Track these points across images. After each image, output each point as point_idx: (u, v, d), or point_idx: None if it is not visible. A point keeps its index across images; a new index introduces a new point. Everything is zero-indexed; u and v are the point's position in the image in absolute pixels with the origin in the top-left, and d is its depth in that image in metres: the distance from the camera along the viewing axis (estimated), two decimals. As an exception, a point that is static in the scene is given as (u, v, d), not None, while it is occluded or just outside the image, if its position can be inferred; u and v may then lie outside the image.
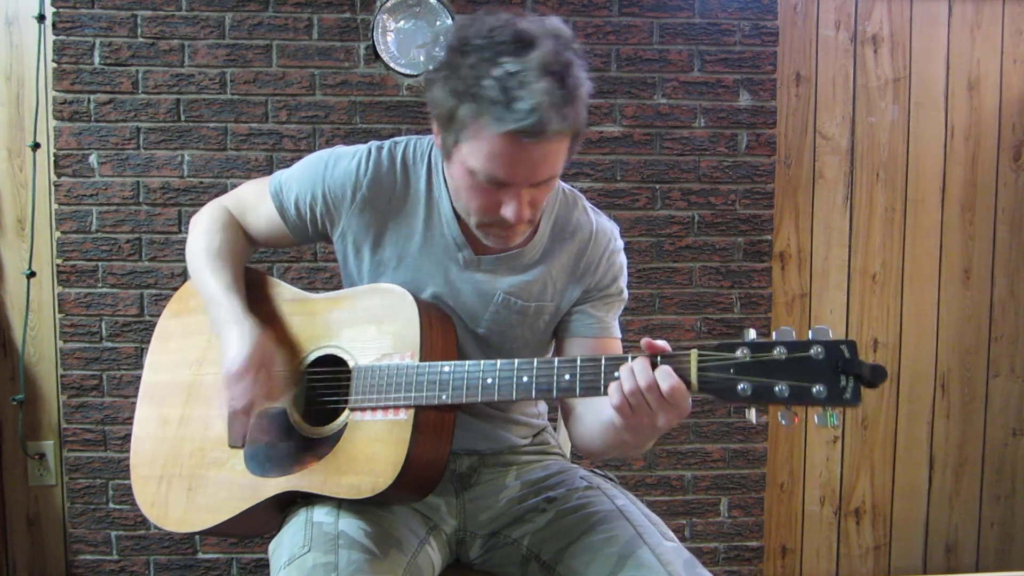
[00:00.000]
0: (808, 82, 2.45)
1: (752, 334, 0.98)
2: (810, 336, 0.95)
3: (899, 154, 2.49)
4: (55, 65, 2.19)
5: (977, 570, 2.59)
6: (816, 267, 2.49)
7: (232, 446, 1.27)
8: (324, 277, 2.27)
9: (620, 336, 1.36)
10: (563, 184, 1.34)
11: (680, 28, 2.30)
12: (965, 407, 2.55)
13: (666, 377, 1.01)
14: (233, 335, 1.24)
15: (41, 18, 2.21)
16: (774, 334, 0.97)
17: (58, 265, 2.24)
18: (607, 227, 1.35)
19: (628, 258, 1.37)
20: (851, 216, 2.49)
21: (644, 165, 2.32)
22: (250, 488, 1.24)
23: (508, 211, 1.13)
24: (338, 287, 1.37)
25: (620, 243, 1.36)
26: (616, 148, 2.31)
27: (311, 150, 2.16)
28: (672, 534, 1.24)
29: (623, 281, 1.36)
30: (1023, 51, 2.50)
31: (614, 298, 1.34)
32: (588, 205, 1.35)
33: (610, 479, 1.38)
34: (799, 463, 2.52)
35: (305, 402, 1.27)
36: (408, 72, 2.23)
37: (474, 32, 1.09)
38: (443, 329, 1.24)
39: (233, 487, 1.25)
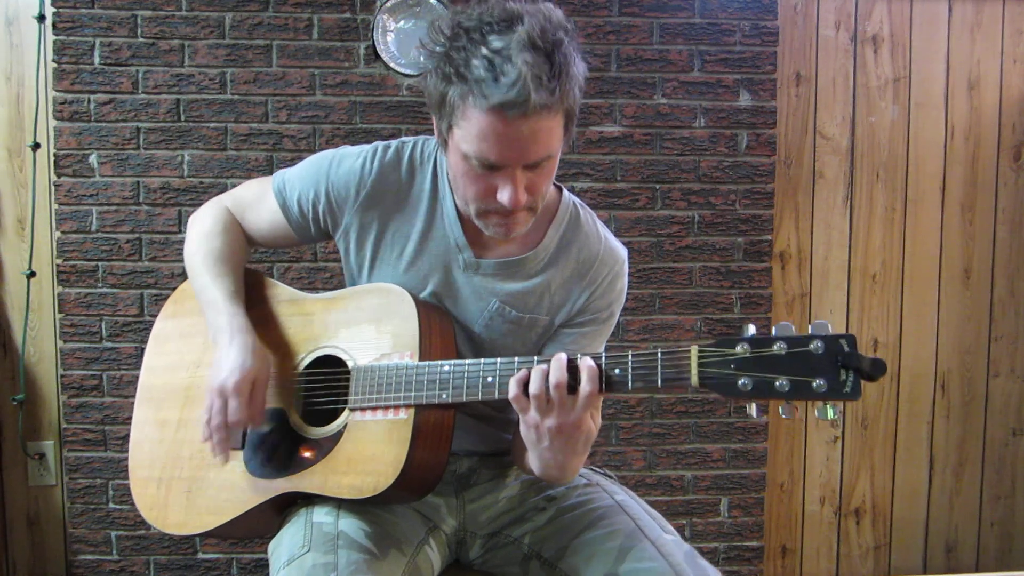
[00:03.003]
0: (808, 82, 2.45)
1: (752, 329, 0.98)
2: (810, 331, 0.95)
3: (899, 154, 2.49)
4: (55, 65, 2.19)
5: (977, 570, 2.59)
6: (816, 267, 2.49)
7: (232, 448, 1.27)
8: (324, 277, 2.27)
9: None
10: (575, 199, 1.33)
11: (680, 28, 2.30)
12: (965, 407, 2.55)
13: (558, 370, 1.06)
14: (230, 347, 1.23)
15: (41, 18, 2.21)
16: (774, 329, 0.97)
17: (58, 265, 2.24)
18: (616, 249, 1.32)
19: (628, 258, 1.35)
20: (851, 216, 2.49)
21: (644, 165, 2.32)
22: (250, 490, 1.24)
23: (504, 195, 1.11)
24: (339, 287, 1.37)
25: (626, 268, 1.33)
26: (616, 148, 2.31)
27: (311, 150, 2.18)
28: (672, 528, 1.24)
29: (618, 307, 1.33)
30: (1023, 51, 2.50)
31: (601, 324, 1.31)
32: (600, 224, 1.33)
33: (609, 476, 1.38)
34: (799, 463, 2.52)
35: (304, 403, 1.27)
36: (408, 72, 2.23)
37: (464, 17, 1.10)
38: (441, 328, 1.23)
39: (233, 489, 1.25)
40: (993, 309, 2.54)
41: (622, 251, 1.33)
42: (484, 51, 1.05)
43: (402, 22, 2.23)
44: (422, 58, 1.17)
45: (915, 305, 2.52)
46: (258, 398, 1.23)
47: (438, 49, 1.11)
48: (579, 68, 1.11)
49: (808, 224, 2.48)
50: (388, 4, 2.21)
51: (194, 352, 1.37)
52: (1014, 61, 2.50)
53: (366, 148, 1.30)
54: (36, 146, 2.27)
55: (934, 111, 2.49)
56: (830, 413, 0.94)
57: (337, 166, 1.29)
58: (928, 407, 2.54)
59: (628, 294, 1.36)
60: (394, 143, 1.31)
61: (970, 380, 2.55)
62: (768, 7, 2.31)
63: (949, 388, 2.55)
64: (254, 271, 1.42)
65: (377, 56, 2.23)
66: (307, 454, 1.22)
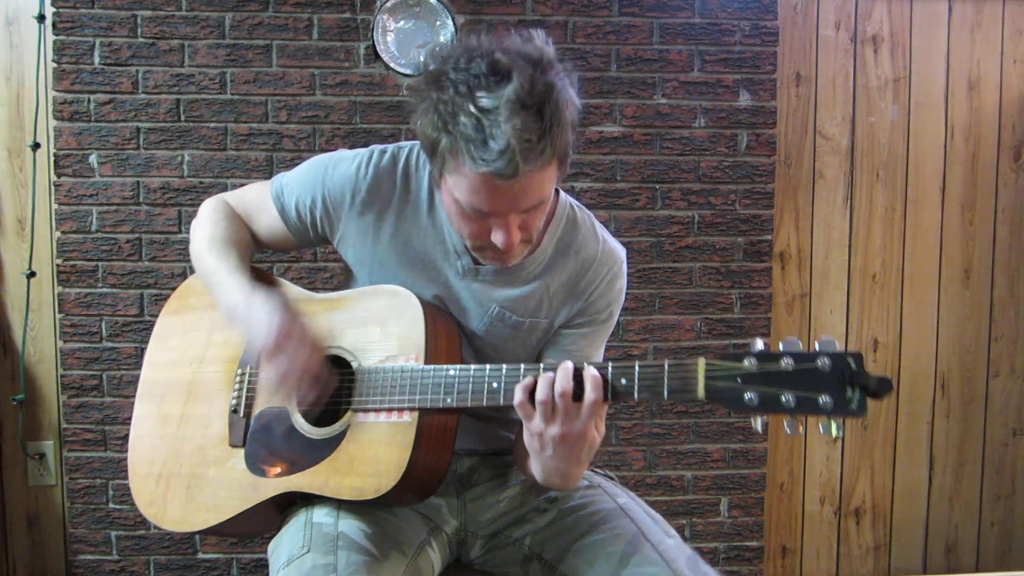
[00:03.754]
0: (808, 82, 2.45)
1: (759, 344, 0.98)
2: (817, 347, 0.95)
3: (899, 154, 2.49)
4: (55, 65, 2.19)
5: (977, 570, 2.59)
6: (816, 267, 2.49)
7: (233, 445, 1.27)
8: (324, 277, 2.27)
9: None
10: (572, 201, 1.32)
11: (680, 28, 2.30)
12: (965, 407, 2.55)
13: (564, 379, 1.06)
14: (251, 309, 1.19)
15: (41, 18, 2.21)
16: (781, 344, 0.97)
17: (58, 265, 2.24)
18: (614, 249, 1.31)
19: (628, 258, 1.35)
20: (851, 216, 2.49)
21: (644, 165, 2.32)
22: (250, 488, 1.24)
23: (497, 238, 1.11)
24: (339, 287, 1.37)
25: (625, 269, 1.32)
26: (616, 148, 2.31)
27: (311, 150, 2.18)
28: (674, 531, 1.24)
29: (617, 307, 1.32)
30: (1023, 51, 2.50)
31: (601, 324, 1.30)
32: (598, 225, 1.32)
33: (611, 478, 1.38)
34: (799, 463, 2.52)
35: None
36: (408, 72, 2.23)
37: (452, 64, 1.07)
38: (447, 332, 1.23)
39: (233, 487, 1.25)
40: (993, 309, 2.55)
41: (620, 251, 1.32)
42: (472, 108, 1.03)
43: (402, 22, 2.23)
44: (411, 85, 1.15)
45: (915, 305, 2.52)
46: (307, 330, 1.18)
47: (425, 92, 1.09)
48: (571, 109, 1.08)
49: (808, 224, 2.48)
50: (388, 4, 2.21)
51: (197, 348, 1.37)
52: (1014, 61, 2.50)
53: (362, 152, 1.29)
54: (36, 146, 2.27)
55: (934, 111, 2.49)
56: (834, 430, 0.94)
57: (333, 171, 1.29)
58: (928, 407, 2.54)
59: (628, 294, 1.36)
60: (390, 148, 1.30)
61: (970, 380, 2.55)
62: (768, 7, 2.31)
63: (949, 388, 2.55)
64: (260, 269, 1.41)
65: (377, 56, 2.23)
66: (308, 454, 1.21)
